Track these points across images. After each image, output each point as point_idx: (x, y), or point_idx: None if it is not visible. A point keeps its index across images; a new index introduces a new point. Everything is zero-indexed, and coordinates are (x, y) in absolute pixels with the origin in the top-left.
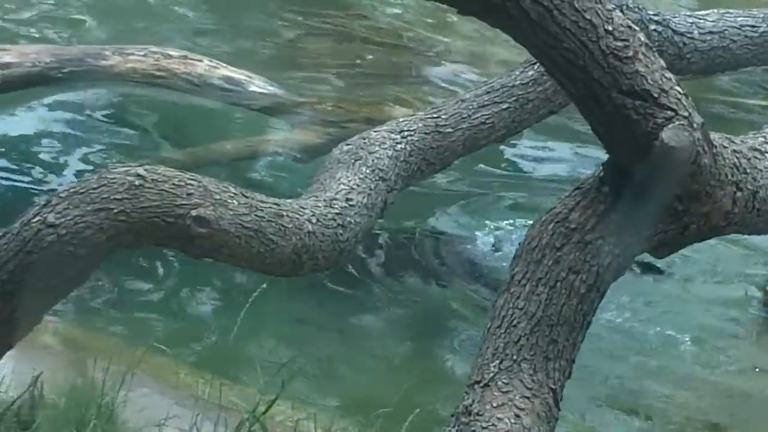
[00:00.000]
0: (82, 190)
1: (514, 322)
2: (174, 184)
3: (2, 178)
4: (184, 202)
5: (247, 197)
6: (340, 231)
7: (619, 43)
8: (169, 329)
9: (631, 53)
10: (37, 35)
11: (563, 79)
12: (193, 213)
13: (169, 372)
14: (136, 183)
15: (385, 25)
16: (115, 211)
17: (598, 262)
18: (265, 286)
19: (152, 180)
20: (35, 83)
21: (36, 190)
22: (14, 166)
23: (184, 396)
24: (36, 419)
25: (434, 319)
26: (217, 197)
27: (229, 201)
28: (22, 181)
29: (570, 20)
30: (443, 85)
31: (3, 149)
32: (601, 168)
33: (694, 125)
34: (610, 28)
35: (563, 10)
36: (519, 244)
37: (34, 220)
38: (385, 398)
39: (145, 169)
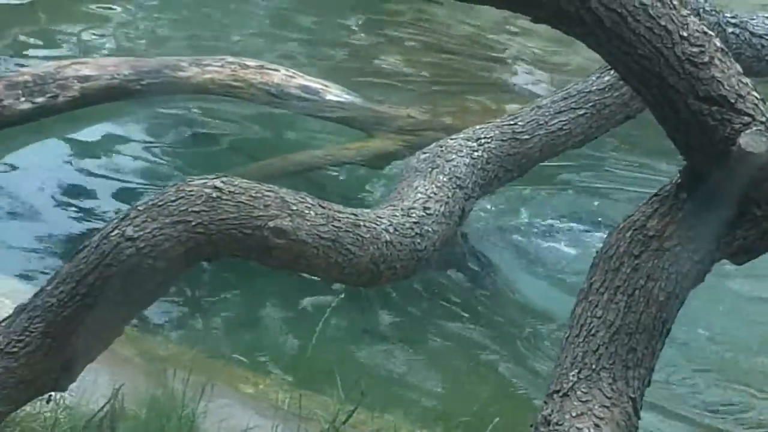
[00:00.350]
0: (160, 203)
1: (593, 330)
2: (251, 196)
3: (82, 190)
4: (261, 214)
5: (324, 207)
6: (418, 240)
7: (695, 49)
8: (248, 340)
9: (707, 59)
10: (114, 48)
11: (638, 86)
12: (271, 224)
13: (248, 382)
14: (214, 195)
15: (461, 33)
16: (193, 223)
17: (677, 269)
18: (343, 296)
19: (229, 192)
20: (114, 96)
21: (114, 203)
22: (93, 179)
23: (264, 406)
24: (117, 431)
25: (505, 328)
26: (295, 208)
27: (307, 212)
28: (101, 194)
29: (644, 26)
30: (520, 91)
31: (82, 162)
32: (678, 174)
33: None
34: (686, 34)
35: (638, 17)
36: (596, 252)
37: (113, 233)
38: (463, 407)
39: (222, 181)
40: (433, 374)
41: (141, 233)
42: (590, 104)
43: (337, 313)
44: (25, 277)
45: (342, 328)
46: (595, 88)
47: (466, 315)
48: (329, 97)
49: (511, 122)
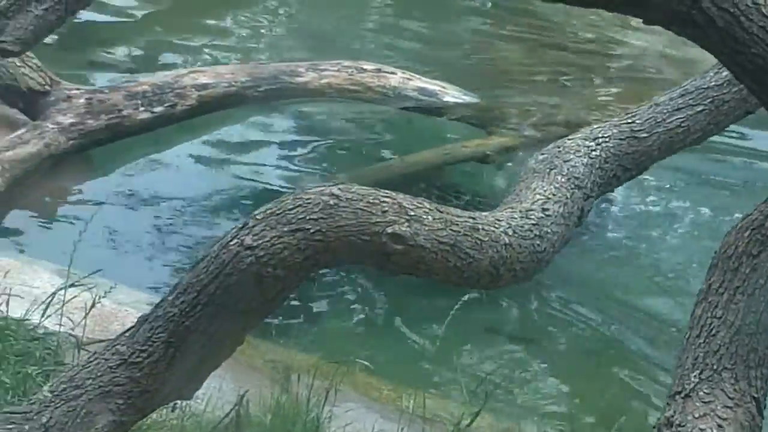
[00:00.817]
0: (278, 212)
1: (713, 331)
2: (368, 202)
3: (202, 199)
4: (379, 220)
5: (441, 212)
6: (537, 242)
7: None
8: (371, 343)
9: None
10: (230, 56)
11: (752, 85)
12: (389, 230)
13: (372, 386)
14: (331, 202)
15: (578, 30)
16: (312, 231)
17: None
18: (466, 298)
19: (347, 199)
20: (231, 103)
21: (233, 210)
22: (212, 186)
23: (388, 410)
24: None
25: (624, 329)
26: (412, 213)
27: (424, 216)
28: (220, 202)
29: (758, 26)
30: (641, 87)
31: (200, 170)
32: None
33: None
34: None
35: (750, 16)
36: (714, 252)
37: (232, 242)
38: (587, 408)
39: (340, 188)
40: (556, 374)
41: (260, 242)
42: (708, 100)
43: (459, 312)
44: (149, 287)
45: (465, 327)
46: (713, 83)
47: (587, 314)
48: (447, 98)
49: (629, 120)
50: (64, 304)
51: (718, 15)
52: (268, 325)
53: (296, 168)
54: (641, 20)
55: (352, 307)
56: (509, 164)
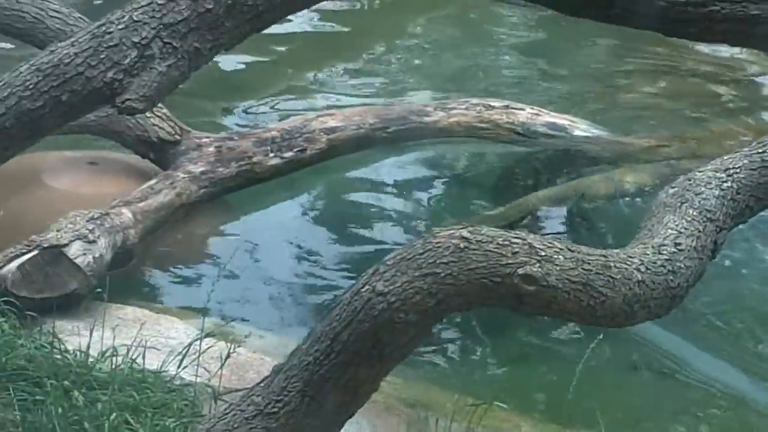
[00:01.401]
0: (408, 257)
1: None
2: (499, 244)
3: (336, 241)
4: (510, 261)
5: (572, 251)
6: (671, 277)
7: None
8: (509, 381)
9: None
10: (360, 98)
11: None
12: (520, 271)
13: (511, 426)
14: (461, 245)
15: (709, 56)
16: (443, 274)
17: None
18: (601, 337)
19: (477, 241)
20: (361, 145)
21: (367, 252)
22: (346, 229)
23: None
24: None
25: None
26: (543, 254)
27: (555, 256)
28: (355, 244)
29: None
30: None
31: (333, 212)
32: None
33: None
34: None
35: None
36: None
37: (364, 289)
38: None
39: (469, 231)
40: (703, 411)
41: (391, 288)
42: None
43: (601, 346)
44: (285, 334)
45: (607, 362)
46: None
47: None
48: (577, 132)
49: (760, 150)
50: (200, 355)
51: None
52: (405, 365)
53: (428, 209)
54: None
55: (487, 343)
56: (640, 198)
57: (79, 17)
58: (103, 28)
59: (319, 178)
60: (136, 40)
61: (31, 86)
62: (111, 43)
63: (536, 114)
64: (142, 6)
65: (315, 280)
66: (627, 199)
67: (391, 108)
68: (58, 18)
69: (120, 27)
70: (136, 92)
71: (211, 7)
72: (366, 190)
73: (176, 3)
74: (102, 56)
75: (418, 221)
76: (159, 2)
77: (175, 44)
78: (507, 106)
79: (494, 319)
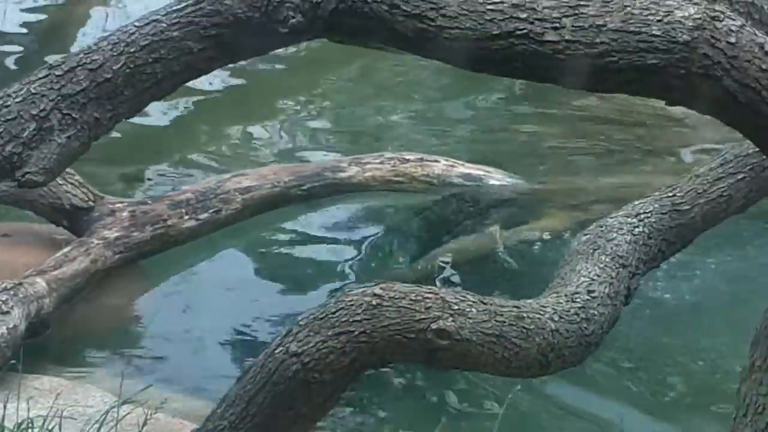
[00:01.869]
0: (321, 316)
1: (759, 409)
2: (411, 300)
3: (254, 302)
4: (423, 317)
5: (485, 303)
6: (585, 325)
7: None
8: None
9: None
10: (274, 157)
11: None
12: (434, 326)
13: None
14: (374, 303)
15: (622, 102)
16: (356, 333)
17: None
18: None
19: (389, 298)
20: (276, 203)
21: (282, 313)
22: (262, 289)
23: None
24: None
25: None
26: (456, 307)
27: (468, 309)
28: (272, 304)
29: None
30: (687, 158)
31: (250, 273)
32: None
33: None
34: None
35: None
36: (756, 329)
37: (277, 350)
38: None
39: (382, 288)
40: None
41: (305, 348)
42: (749, 167)
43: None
44: (205, 396)
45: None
46: (752, 150)
47: None
48: (492, 181)
49: (670, 194)
50: (117, 422)
51: (740, 91)
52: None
53: (344, 265)
54: (665, 103)
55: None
56: (555, 246)
57: None
58: (0, 102)
59: (236, 238)
60: (34, 112)
61: None
62: (9, 117)
63: (451, 165)
64: (40, 78)
65: (233, 341)
66: (542, 246)
67: (306, 165)
68: None
69: (17, 100)
70: (36, 165)
71: (109, 76)
72: (283, 248)
73: (74, 74)
74: (0, 130)
75: (334, 278)
76: (57, 74)
77: (74, 115)
78: (422, 159)
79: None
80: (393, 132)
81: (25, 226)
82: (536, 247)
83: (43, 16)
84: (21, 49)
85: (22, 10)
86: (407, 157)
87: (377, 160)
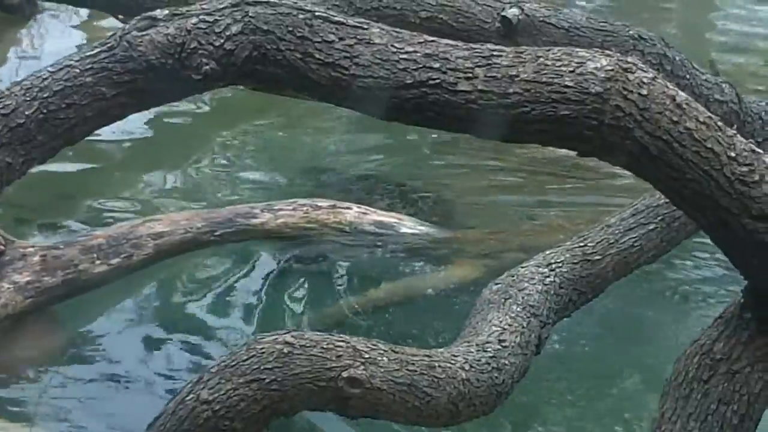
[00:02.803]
0: (232, 364)
1: None
2: (323, 348)
3: (164, 346)
4: (334, 365)
5: (396, 352)
6: (496, 374)
7: (744, 168)
8: None
9: (757, 177)
10: (187, 203)
11: (691, 211)
12: (344, 374)
13: None
14: (285, 350)
15: (537, 153)
16: (267, 380)
17: (749, 390)
18: None
19: (300, 346)
20: (188, 249)
21: (192, 360)
22: (173, 337)
23: None
24: None
25: None
26: (367, 356)
27: (380, 358)
28: (183, 350)
29: (691, 151)
30: (599, 208)
31: (162, 319)
32: (741, 294)
33: None
34: (734, 154)
35: (683, 142)
36: (665, 380)
37: (188, 397)
38: None
39: (293, 336)
40: None
41: (216, 395)
42: (659, 218)
43: None
44: None
45: None
46: (663, 201)
47: None
48: (404, 229)
49: (581, 244)
50: None
51: (651, 143)
52: None
53: (256, 311)
54: (576, 154)
55: None
56: (467, 294)
57: None
58: None
59: (149, 282)
60: None
61: None
62: None
63: (363, 213)
64: None
65: (145, 386)
66: (453, 295)
67: (219, 211)
68: None
69: None
70: None
71: (22, 121)
72: (194, 293)
73: None
74: None
75: (245, 325)
76: None
77: None
78: (334, 206)
79: None
80: (310, 179)
81: None
82: (447, 295)
83: None
84: None
85: None
86: (319, 204)
87: (290, 207)
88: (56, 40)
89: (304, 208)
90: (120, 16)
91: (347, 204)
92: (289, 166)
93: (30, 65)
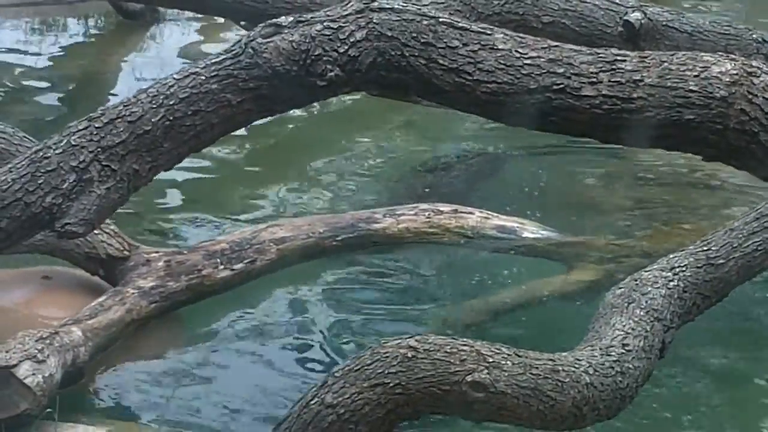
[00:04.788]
0: (356, 368)
1: None
2: (446, 352)
3: (291, 350)
4: (458, 369)
5: (520, 356)
6: (620, 378)
7: None
8: None
9: None
10: (309, 207)
11: None
12: (468, 378)
13: None
14: (409, 355)
15: (658, 160)
16: (391, 384)
17: None
18: None
19: (424, 350)
20: (311, 255)
21: (321, 364)
22: (300, 342)
23: None
24: None
25: None
26: (491, 360)
27: (503, 362)
28: (311, 354)
29: None
30: (722, 213)
31: (287, 324)
32: None
33: None
34: None
35: None
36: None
37: (313, 401)
38: None
39: (417, 340)
40: None
41: (340, 399)
42: None
43: None
44: None
45: None
46: None
47: None
48: (526, 234)
49: (705, 248)
50: None
51: None
52: None
53: (378, 318)
54: (701, 158)
55: None
56: (589, 299)
57: (24, 137)
58: (41, 153)
59: (271, 288)
60: (74, 164)
61: None
62: (49, 168)
63: (485, 218)
64: (80, 130)
65: (268, 391)
66: (576, 299)
67: (340, 216)
68: (3, 138)
69: (58, 152)
70: (75, 216)
71: (149, 128)
72: (317, 299)
73: (114, 126)
74: (40, 181)
75: (369, 329)
76: (97, 125)
77: (113, 167)
78: (456, 211)
79: None
80: (427, 184)
81: (65, 270)
82: (570, 299)
83: (78, 64)
84: (57, 98)
85: (57, 59)
86: (441, 209)
87: (411, 212)
88: (176, 46)
89: (426, 213)
90: (242, 23)
91: (469, 209)
92: (409, 170)
93: (152, 72)
